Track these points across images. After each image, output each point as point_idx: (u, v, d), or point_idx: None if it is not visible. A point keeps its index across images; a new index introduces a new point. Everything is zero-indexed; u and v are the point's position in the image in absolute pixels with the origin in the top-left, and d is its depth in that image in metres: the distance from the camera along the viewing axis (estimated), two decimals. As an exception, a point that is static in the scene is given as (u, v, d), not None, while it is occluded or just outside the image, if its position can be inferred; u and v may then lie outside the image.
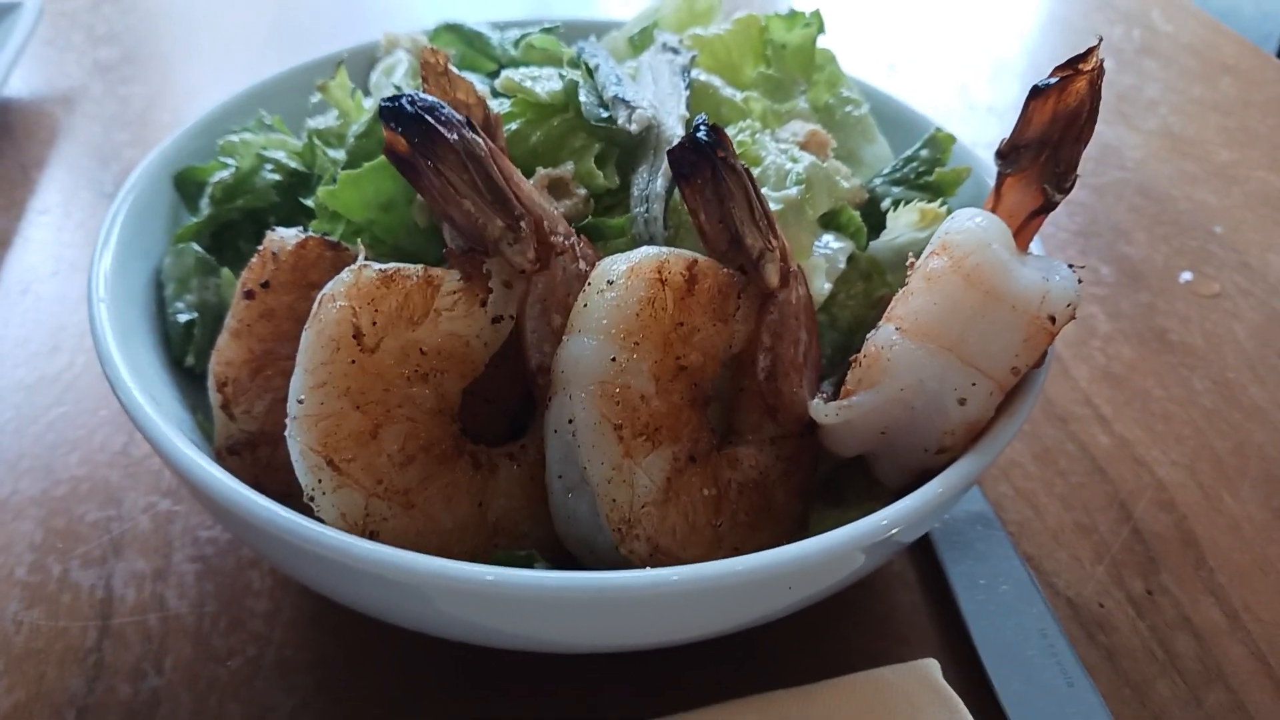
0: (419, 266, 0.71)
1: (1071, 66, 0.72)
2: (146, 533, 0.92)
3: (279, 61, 1.13)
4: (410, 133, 0.70)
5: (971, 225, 0.73)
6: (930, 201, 0.92)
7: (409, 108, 0.70)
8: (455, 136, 0.71)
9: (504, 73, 0.87)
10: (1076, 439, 1.06)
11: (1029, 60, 1.86)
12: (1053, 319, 0.70)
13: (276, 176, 0.93)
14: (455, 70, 0.79)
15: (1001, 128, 1.60)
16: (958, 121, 1.00)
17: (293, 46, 1.74)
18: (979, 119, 1.63)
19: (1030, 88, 0.73)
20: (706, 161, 0.74)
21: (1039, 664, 0.82)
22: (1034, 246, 0.82)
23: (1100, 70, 0.71)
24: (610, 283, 0.70)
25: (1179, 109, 1.68)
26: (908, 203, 0.92)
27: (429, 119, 0.70)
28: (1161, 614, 0.89)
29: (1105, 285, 1.27)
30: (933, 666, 0.78)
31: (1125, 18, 1.99)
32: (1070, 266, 0.74)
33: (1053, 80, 0.72)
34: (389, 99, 0.70)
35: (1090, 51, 0.71)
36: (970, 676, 0.81)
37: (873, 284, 0.89)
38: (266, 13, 1.96)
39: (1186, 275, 1.30)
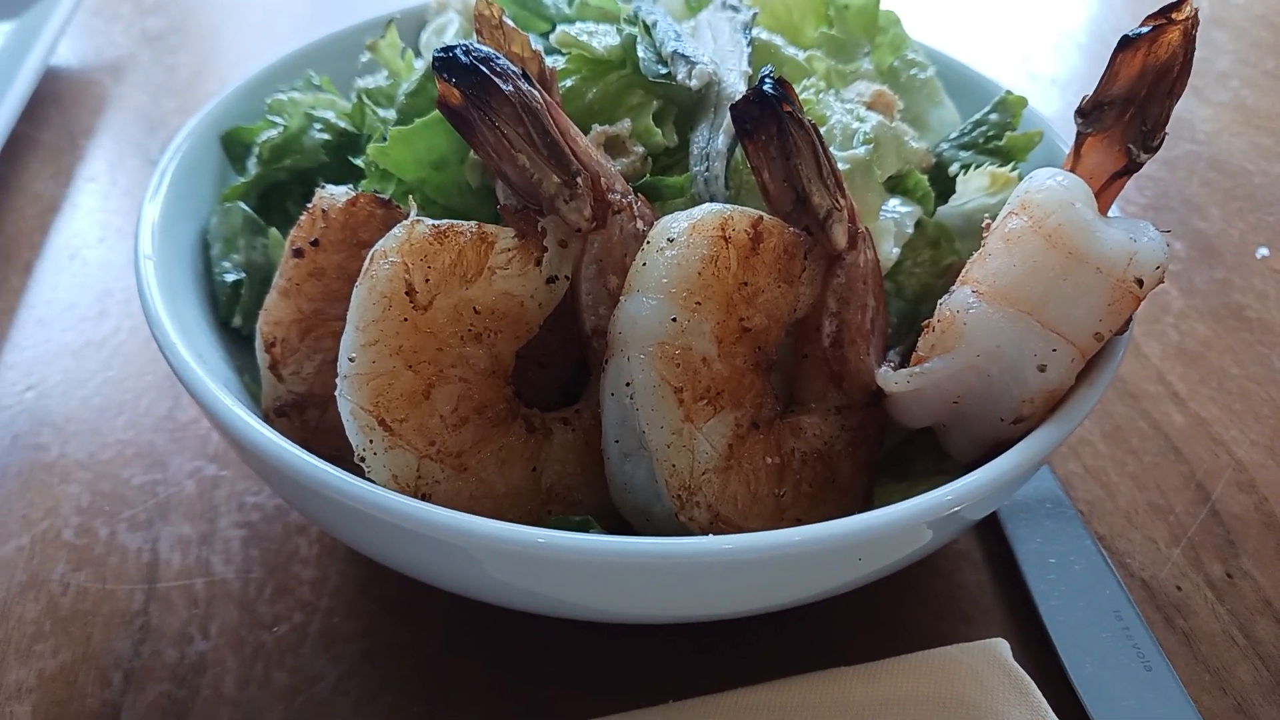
0: (473, 223, 0.68)
1: (1163, 15, 0.68)
2: (192, 497, 0.91)
3: (324, 31, 1.11)
4: (464, 84, 0.67)
5: (1052, 184, 0.69)
6: (1001, 166, 0.89)
7: (463, 58, 0.68)
8: (511, 88, 0.68)
9: (560, 28, 0.84)
10: (1149, 417, 1.01)
11: (1092, 31, 1.80)
12: (1140, 282, 0.67)
13: (325, 136, 0.90)
14: (510, 23, 0.76)
15: (1064, 99, 1.55)
16: (1020, 93, 0.96)
17: (338, 16, 1.72)
18: (1042, 90, 1.58)
19: (1119, 38, 0.69)
20: (772, 116, 0.70)
21: (1113, 647, 0.78)
22: (1112, 212, 0.78)
23: (1195, 19, 0.67)
24: (671, 240, 0.67)
25: (1251, 82, 1.61)
26: (977, 167, 0.88)
27: (484, 69, 0.68)
28: (1242, 598, 0.85)
29: (1178, 260, 1.22)
30: (1002, 646, 0.75)
31: (1193, -11, 1.92)
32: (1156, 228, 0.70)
33: (1143, 30, 0.68)
34: (443, 49, 0.68)
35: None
36: (1040, 658, 0.78)
37: (940, 251, 0.85)
38: (313, -16, 1.95)
39: (1263, 251, 1.24)
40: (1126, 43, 0.69)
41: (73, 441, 0.97)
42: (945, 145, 0.93)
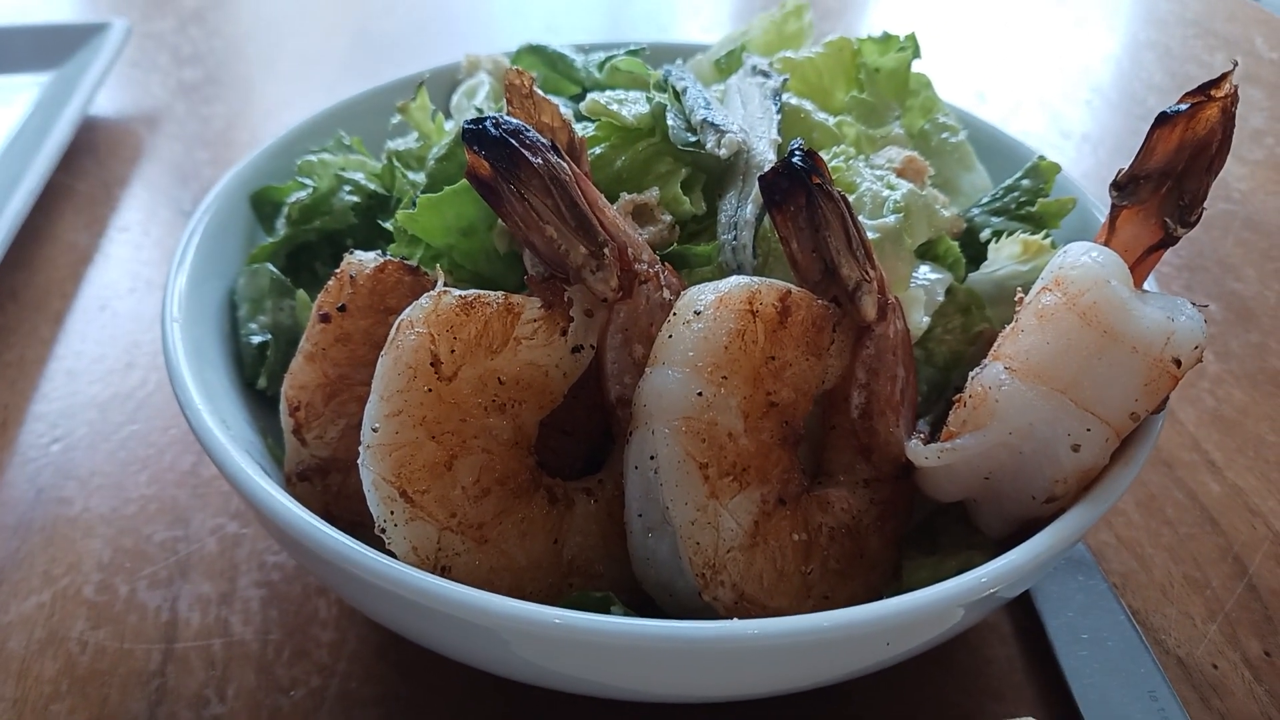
0: (499, 294, 0.68)
1: (1203, 93, 0.67)
2: (213, 555, 0.91)
3: (357, 85, 1.12)
4: (494, 156, 0.68)
5: (1087, 260, 0.68)
6: (1033, 233, 0.88)
7: (493, 131, 0.68)
8: (540, 161, 0.68)
9: (589, 96, 0.84)
10: (1184, 486, 0.99)
11: (1124, 88, 1.79)
12: (1178, 362, 0.65)
13: (355, 198, 0.91)
14: (540, 93, 0.76)
15: (1096, 157, 1.54)
16: (1051, 151, 0.95)
17: (371, 69, 1.75)
18: (1073, 148, 1.57)
19: (1157, 115, 0.68)
20: (801, 188, 0.70)
21: (1148, 730, 0.76)
22: (1147, 283, 0.77)
23: (1235, 97, 0.66)
24: (698, 313, 0.67)
25: (1286, 139, 1.60)
26: (1009, 234, 0.87)
27: (513, 142, 0.68)
28: (1281, 679, 0.82)
29: (1214, 323, 1.20)
30: (1033, 729, 0.73)
31: (1226, 44, 1.92)
32: (1194, 305, 0.69)
33: (1182, 107, 0.67)
34: (472, 121, 0.68)
35: (1224, 77, 0.66)
36: (1072, 741, 0.75)
37: (971, 318, 0.84)
38: (346, 36, 1.98)
39: (1300, 313, 1.23)
40: (1164, 119, 0.68)
41: (96, 496, 0.97)
42: (976, 211, 0.92)
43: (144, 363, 1.13)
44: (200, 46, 1.87)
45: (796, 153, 0.70)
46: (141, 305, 1.21)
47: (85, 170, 1.46)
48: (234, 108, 1.68)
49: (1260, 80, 1.77)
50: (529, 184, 0.67)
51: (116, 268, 1.28)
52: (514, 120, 0.68)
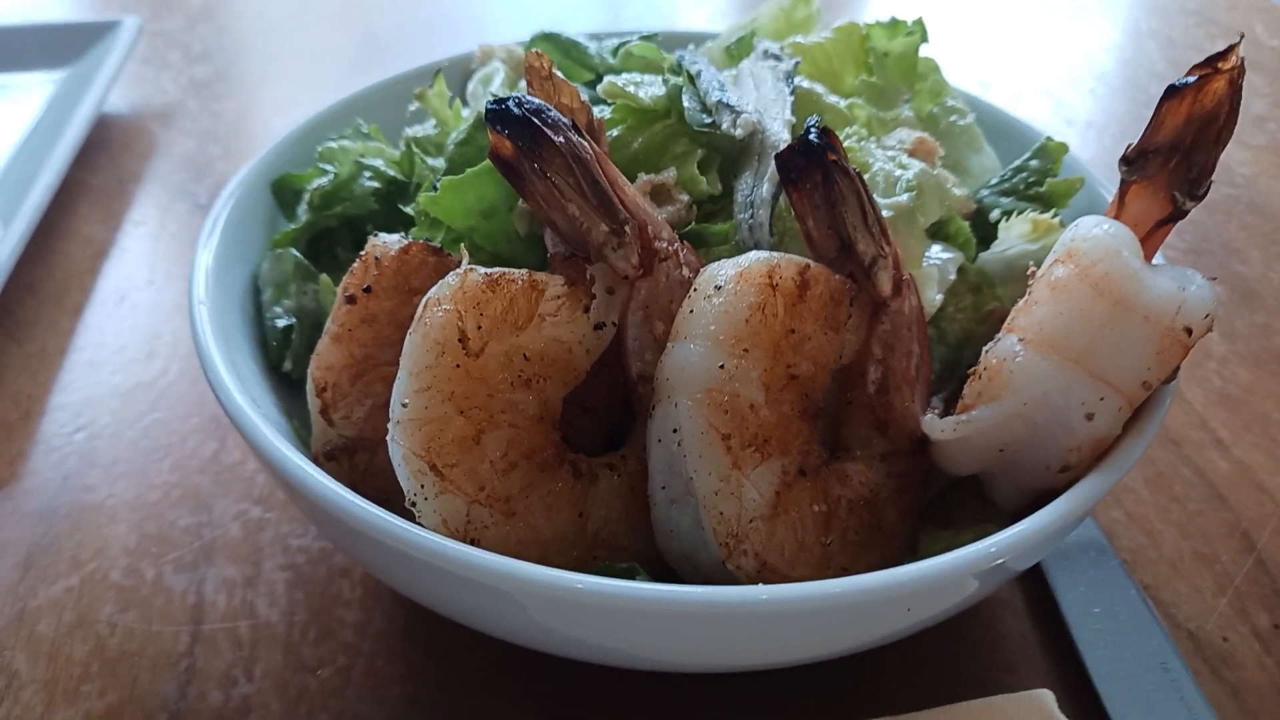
0: (523, 271, 0.69)
1: (1210, 65, 0.68)
2: (237, 540, 0.92)
3: (365, 80, 1.13)
4: (516, 135, 0.69)
5: (1099, 232, 0.69)
6: (1042, 212, 0.89)
7: (516, 110, 0.69)
8: (562, 139, 0.69)
9: (606, 78, 0.86)
10: (1193, 464, 1.00)
11: (1127, 76, 1.80)
12: (1189, 330, 0.67)
13: (375, 184, 0.92)
14: (559, 74, 0.77)
15: (1101, 143, 1.55)
16: (1054, 137, 0.96)
17: (378, 65, 1.76)
18: (1077, 135, 1.58)
19: (1165, 88, 0.70)
20: (817, 164, 0.71)
21: (1161, 699, 0.77)
22: (1156, 259, 0.79)
23: (1241, 69, 0.68)
24: (718, 287, 0.68)
25: (1288, 125, 1.61)
26: (1019, 214, 0.89)
27: (536, 121, 0.69)
28: (1291, 650, 0.84)
29: (1219, 305, 1.21)
30: (1048, 697, 0.74)
31: (1226, 32, 1.93)
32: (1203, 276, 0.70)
33: (1189, 79, 0.69)
34: (495, 101, 0.69)
35: (1230, 50, 0.68)
36: (1085, 710, 0.77)
37: (982, 297, 0.85)
38: (354, 32, 1.99)
39: (1305, 294, 1.24)
40: (1172, 92, 0.70)
41: (120, 483, 0.98)
42: (986, 191, 0.94)
43: (164, 353, 1.14)
44: (210, 44, 1.88)
45: (813, 130, 0.71)
46: (160, 297, 1.22)
47: (100, 166, 1.47)
48: (245, 104, 1.69)
49: (1262, 67, 1.78)
50: (551, 162, 0.68)
51: (134, 261, 1.29)
52: (536, 100, 0.69)
